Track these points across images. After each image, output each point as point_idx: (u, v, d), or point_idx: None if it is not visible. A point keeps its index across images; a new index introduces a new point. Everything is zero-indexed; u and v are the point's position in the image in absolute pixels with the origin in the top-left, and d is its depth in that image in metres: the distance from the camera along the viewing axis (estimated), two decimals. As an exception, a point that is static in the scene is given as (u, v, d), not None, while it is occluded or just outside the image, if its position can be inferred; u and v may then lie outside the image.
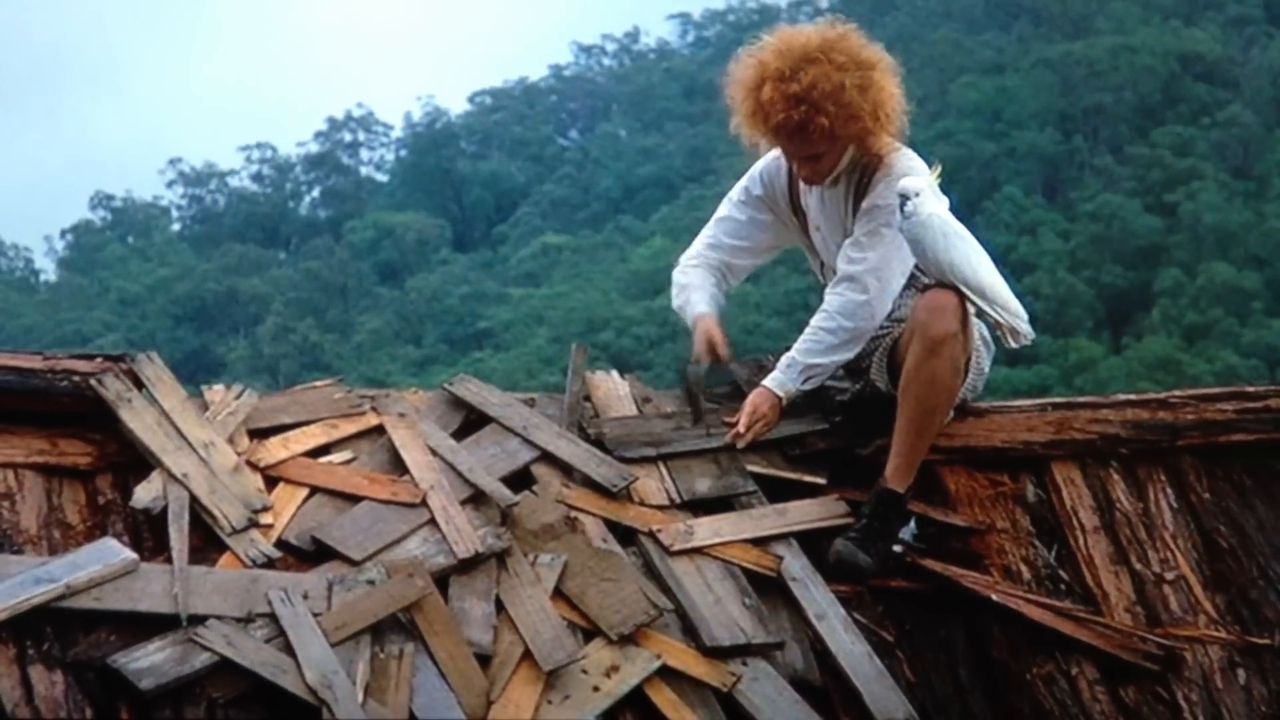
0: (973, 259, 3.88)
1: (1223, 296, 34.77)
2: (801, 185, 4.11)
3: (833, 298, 3.98)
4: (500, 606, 3.53)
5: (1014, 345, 4.02)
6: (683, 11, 61.49)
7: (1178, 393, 4.26)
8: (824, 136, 3.91)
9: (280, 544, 3.57)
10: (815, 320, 3.98)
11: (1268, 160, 39.95)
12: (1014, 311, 3.94)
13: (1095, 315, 35.75)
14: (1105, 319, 36.02)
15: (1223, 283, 34.92)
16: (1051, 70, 43.66)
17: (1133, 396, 4.27)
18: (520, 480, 3.82)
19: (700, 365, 4.06)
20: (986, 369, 4.08)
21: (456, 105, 62.06)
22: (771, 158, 4.16)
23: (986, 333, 4.07)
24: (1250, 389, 4.30)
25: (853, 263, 3.97)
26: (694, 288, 4.16)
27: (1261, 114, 41.36)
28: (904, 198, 3.87)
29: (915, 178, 3.90)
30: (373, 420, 3.87)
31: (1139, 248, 37.37)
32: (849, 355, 3.99)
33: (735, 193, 4.22)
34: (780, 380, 3.97)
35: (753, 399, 3.97)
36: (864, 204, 3.98)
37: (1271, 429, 4.20)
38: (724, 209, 4.23)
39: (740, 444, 3.93)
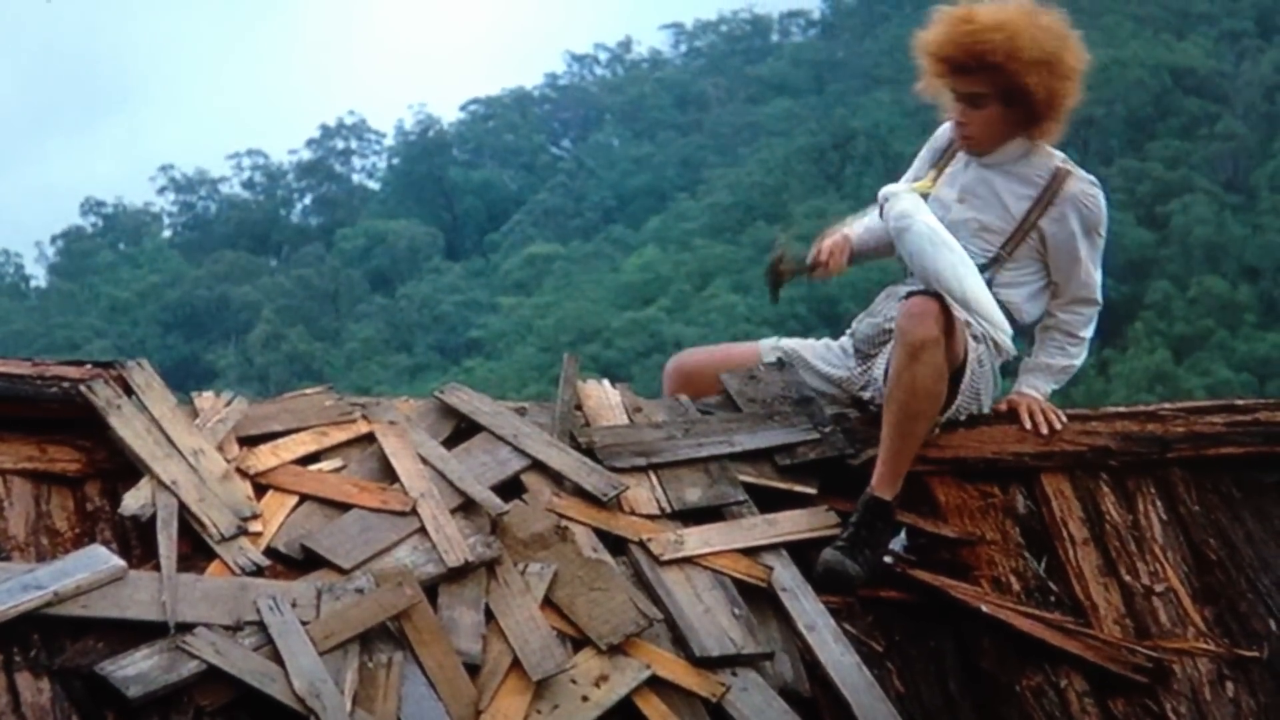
0: (959, 269, 3.90)
1: (1214, 310, 34.86)
2: (960, 153, 4.14)
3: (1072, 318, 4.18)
4: (490, 615, 3.52)
5: (998, 359, 4.05)
6: (675, 22, 61.70)
7: (1167, 405, 4.27)
8: (993, 73, 3.98)
9: (269, 552, 3.56)
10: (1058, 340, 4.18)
11: (1259, 173, 40.08)
12: (996, 324, 3.96)
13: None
14: (1095, 331, 36.05)
15: (1214, 296, 35.02)
16: (1042, 83, 43.67)
17: (1122, 409, 4.27)
18: (511, 489, 3.81)
19: (793, 253, 4.13)
20: (985, 395, 4.09)
21: (449, 113, 62.13)
22: (944, 127, 4.24)
23: (991, 361, 4.08)
24: (1239, 402, 4.31)
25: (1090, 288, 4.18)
26: (866, 215, 4.23)
27: (1253, 127, 41.51)
28: (879, 209, 3.94)
29: (894, 185, 4.02)
30: (363, 428, 3.86)
31: (1130, 260, 37.47)
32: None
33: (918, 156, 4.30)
34: (1040, 385, 4.17)
35: (1028, 403, 4.11)
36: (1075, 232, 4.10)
37: (1260, 442, 4.20)
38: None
39: (1056, 427, 4.07)
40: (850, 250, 4.16)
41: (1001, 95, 4.04)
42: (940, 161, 4.19)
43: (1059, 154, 4.16)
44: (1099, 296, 4.24)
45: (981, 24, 4.01)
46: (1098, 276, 4.21)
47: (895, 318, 4.05)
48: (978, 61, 4.01)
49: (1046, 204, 4.09)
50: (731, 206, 43.77)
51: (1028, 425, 4.09)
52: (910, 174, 4.27)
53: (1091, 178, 4.17)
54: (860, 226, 4.24)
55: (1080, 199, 4.12)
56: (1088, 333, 4.24)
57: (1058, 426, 4.09)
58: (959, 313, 3.90)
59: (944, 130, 4.24)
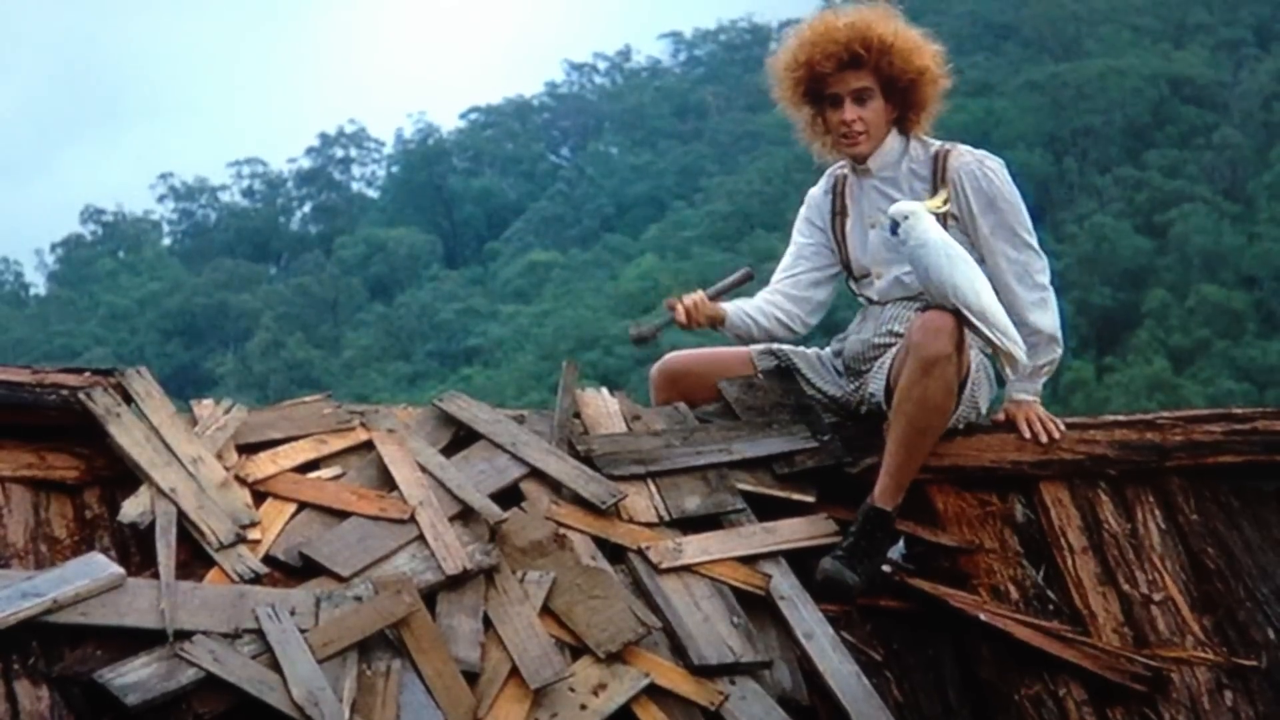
0: (976, 282, 3.91)
1: (1211, 318, 34.88)
2: (850, 189, 4.14)
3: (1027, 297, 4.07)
4: (488, 623, 3.52)
5: (1012, 376, 4.05)
6: (674, 31, 61.78)
7: (1165, 414, 4.27)
8: (879, 60, 4.00)
9: (268, 559, 3.56)
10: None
11: (1257, 182, 40.12)
12: (1013, 338, 3.95)
13: (1081, 335, 35.87)
14: (1094, 340, 36.12)
15: (1213, 304, 35.03)
16: (1040, 92, 43.83)
17: (1121, 417, 4.27)
18: (509, 497, 3.81)
19: (643, 326, 4.17)
20: (982, 404, 4.09)
21: (448, 122, 62.30)
22: (817, 185, 4.24)
23: (991, 370, 4.08)
24: (1238, 410, 4.31)
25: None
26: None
27: (1251, 136, 41.54)
28: (894, 222, 3.92)
29: (909, 203, 3.97)
30: (362, 436, 3.86)
31: (1128, 269, 37.50)
32: (1051, 313, 4.08)
33: (793, 233, 4.28)
34: (1029, 388, 4.09)
35: (1025, 413, 4.05)
36: (975, 207, 4.05)
37: (1259, 450, 4.21)
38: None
39: (1055, 436, 4.03)
40: (707, 299, 4.14)
41: (884, 88, 4.06)
42: (837, 209, 4.17)
43: (934, 141, 4.14)
44: (1034, 275, 4.05)
45: (857, 18, 4.05)
46: (1020, 255, 4.07)
47: (885, 334, 4.06)
48: (866, 49, 4.02)
49: (941, 188, 4.06)
50: (730, 215, 43.80)
51: (1026, 435, 4.08)
52: (790, 254, 4.22)
53: (982, 152, 4.11)
54: (730, 305, 4.19)
55: (965, 171, 4.06)
56: (1040, 318, 4.06)
57: (1056, 435, 4.08)
58: (978, 326, 3.89)
59: (814, 196, 4.21)
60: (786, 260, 4.26)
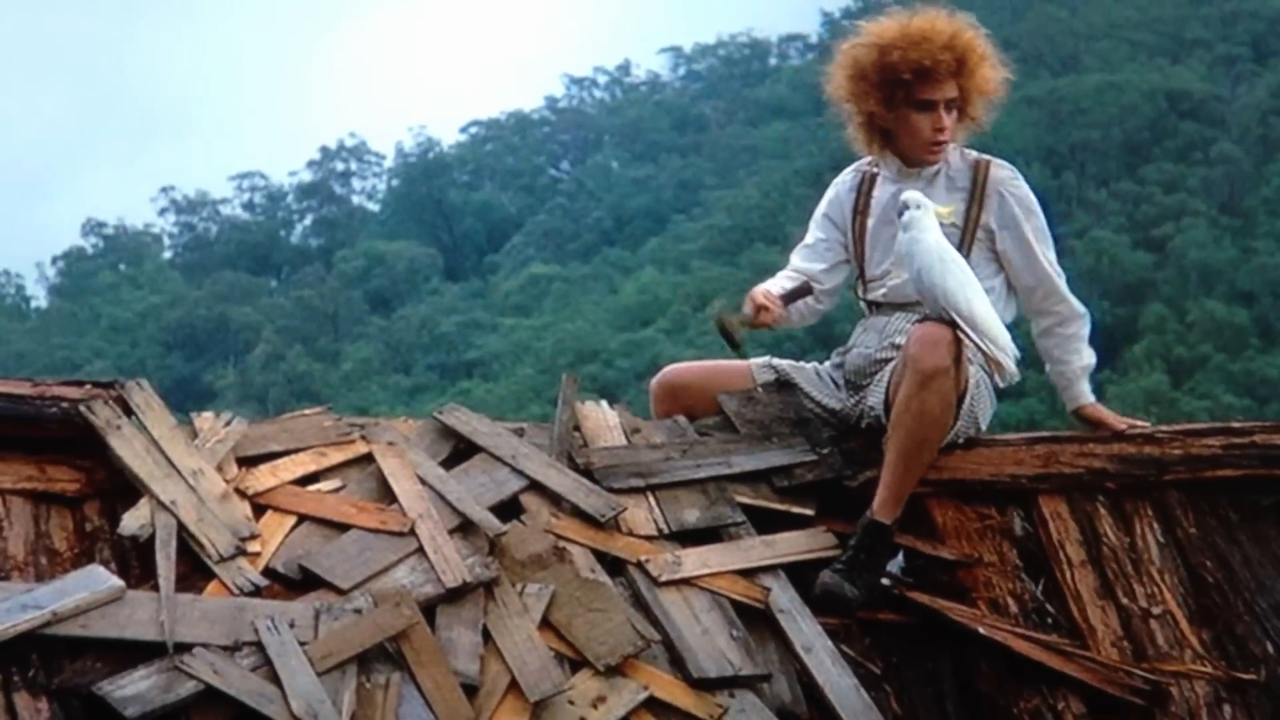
0: (967, 289, 3.92)
1: (1210, 332, 34.91)
2: (878, 189, 4.14)
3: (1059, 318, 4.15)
4: (487, 636, 3.52)
5: (1000, 384, 4.05)
6: (674, 45, 61.94)
7: (1164, 428, 4.27)
8: (975, 72, 4.04)
9: (267, 572, 3.56)
10: (1072, 335, 4.13)
11: (1255, 197, 40.18)
12: (1002, 347, 3.96)
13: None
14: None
15: (1212, 319, 35.06)
16: (1038, 107, 43.91)
17: (1119, 430, 4.28)
18: (509, 510, 3.82)
19: (732, 309, 4.13)
20: (982, 418, 4.09)
21: (449, 136, 62.37)
22: (840, 179, 4.25)
23: (990, 385, 4.09)
24: (1236, 424, 4.32)
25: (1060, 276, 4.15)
26: (772, 281, 4.23)
27: (1249, 151, 41.62)
28: (904, 207, 3.93)
29: (921, 195, 3.98)
30: (361, 449, 3.87)
31: (1126, 283, 37.53)
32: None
33: (811, 223, 4.29)
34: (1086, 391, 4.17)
35: (1105, 417, 4.15)
36: (1017, 213, 4.12)
37: (1257, 464, 4.21)
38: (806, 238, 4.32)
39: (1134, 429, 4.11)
40: (778, 298, 4.14)
41: (962, 99, 4.10)
42: (859, 208, 4.17)
43: (970, 151, 4.17)
44: (1069, 295, 4.16)
45: (957, 26, 4.06)
46: (1056, 267, 4.15)
47: (886, 347, 4.06)
48: (967, 61, 4.05)
49: (981, 199, 4.09)
50: (729, 229, 43.86)
51: (1123, 427, 4.14)
52: (808, 247, 4.21)
53: (1002, 160, 4.17)
54: (771, 284, 4.19)
55: (1009, 184, 4.13)
56: (1080, 328, 4.16)
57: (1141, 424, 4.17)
58: (967, 332, 3.89)
59: (840, 191, 4.21)
60: (804, 254, 4.24)
